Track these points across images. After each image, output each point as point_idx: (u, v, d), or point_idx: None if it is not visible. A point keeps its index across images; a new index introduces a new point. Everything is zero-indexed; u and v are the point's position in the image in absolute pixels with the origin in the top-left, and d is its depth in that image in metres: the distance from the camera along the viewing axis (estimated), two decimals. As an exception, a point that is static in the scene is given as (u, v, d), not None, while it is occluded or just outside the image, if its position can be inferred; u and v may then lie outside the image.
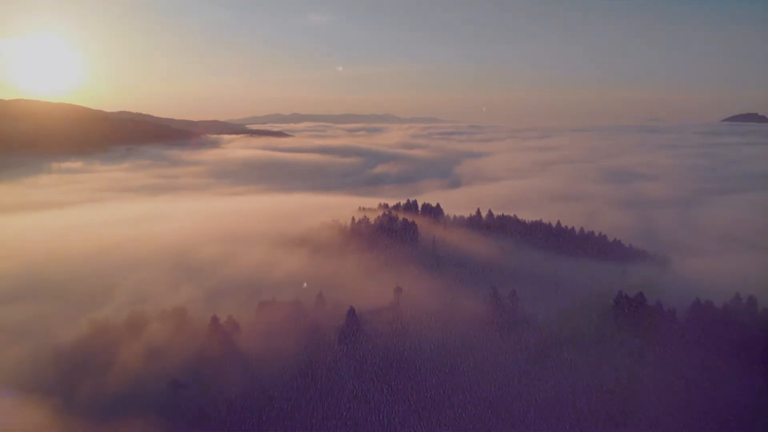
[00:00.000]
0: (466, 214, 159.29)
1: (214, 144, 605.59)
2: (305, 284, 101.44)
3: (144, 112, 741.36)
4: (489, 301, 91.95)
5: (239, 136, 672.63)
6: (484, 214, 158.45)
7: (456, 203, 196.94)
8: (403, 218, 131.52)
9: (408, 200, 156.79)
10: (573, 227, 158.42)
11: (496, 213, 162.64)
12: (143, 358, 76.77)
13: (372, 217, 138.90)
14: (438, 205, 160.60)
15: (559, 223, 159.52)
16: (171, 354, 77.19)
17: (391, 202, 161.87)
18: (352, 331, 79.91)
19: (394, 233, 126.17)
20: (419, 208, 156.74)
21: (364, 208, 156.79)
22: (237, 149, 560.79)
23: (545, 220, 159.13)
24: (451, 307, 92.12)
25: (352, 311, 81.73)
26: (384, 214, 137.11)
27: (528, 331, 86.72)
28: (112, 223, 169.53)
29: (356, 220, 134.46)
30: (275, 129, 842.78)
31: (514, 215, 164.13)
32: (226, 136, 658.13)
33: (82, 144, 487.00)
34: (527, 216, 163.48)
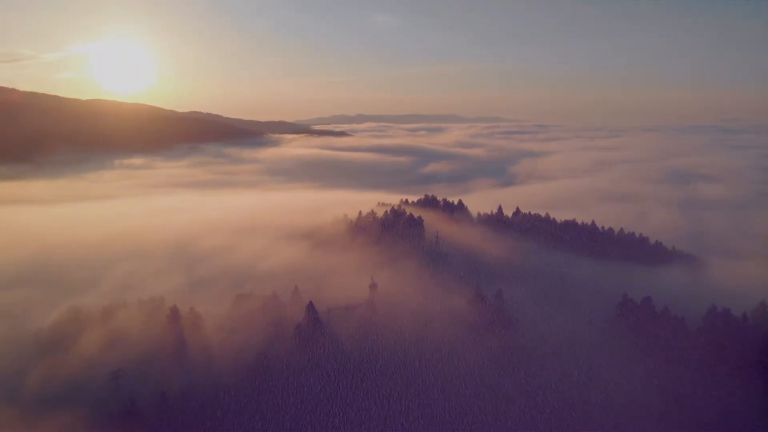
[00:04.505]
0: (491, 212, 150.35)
1: (275, 143, 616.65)
2: None
3: (214, 113, 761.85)
4: (471, 301, 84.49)
5: (300, 135, 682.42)
6: (509, 212, 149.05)
7: (500, 202, 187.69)
8: (410, 214, 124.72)
9: (426, 195, 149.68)
10: (611, 228, 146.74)
11: (535, 212, 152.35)
12: (100, 347, 75.30)
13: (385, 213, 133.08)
14: (460, 201, 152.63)
15: (594, 223, 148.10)
16: (127, 344, 75.39)
17: (413, 199, 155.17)
18: (310, 327, 75.11)
19: (398, 229, 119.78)
20: (441, 204, 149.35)
21: (382, 204, 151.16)
22: (295, 148, 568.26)
23: (580, 221, 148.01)
24: (432, 305, 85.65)
25: (311, 306, 77.06)
26: (391, 210, 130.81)
27: (511, 334, 79.02)
28: (138, 215, 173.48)
29: (363, 214, 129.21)
30: (337, 129, 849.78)
31: (546, 214, 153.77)
32: (287, 136, 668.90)
33: (149, 142, 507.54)
34: (569, 216, 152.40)
